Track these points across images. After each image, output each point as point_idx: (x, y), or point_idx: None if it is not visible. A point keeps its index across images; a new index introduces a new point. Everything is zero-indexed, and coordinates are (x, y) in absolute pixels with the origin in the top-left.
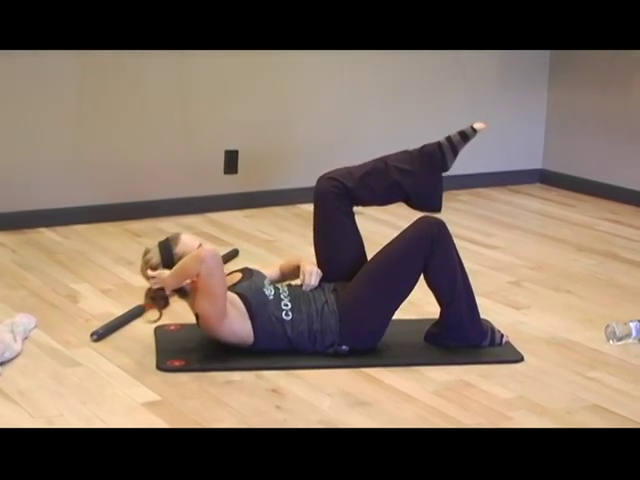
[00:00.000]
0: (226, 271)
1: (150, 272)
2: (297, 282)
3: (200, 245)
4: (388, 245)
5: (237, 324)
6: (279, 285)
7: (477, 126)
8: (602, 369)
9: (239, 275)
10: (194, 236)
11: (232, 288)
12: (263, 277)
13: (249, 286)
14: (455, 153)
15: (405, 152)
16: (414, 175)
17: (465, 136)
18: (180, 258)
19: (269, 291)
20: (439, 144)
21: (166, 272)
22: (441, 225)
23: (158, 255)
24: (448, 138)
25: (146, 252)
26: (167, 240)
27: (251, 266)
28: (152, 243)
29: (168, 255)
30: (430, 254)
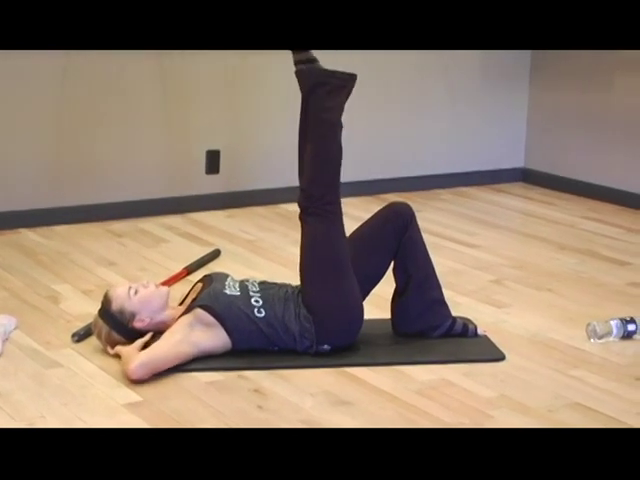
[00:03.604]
0: (189, 285)
1: (110, 351)
2: (268, 279)
3: (130, 288)
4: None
5: (210, 342)
6: (248, 281)
7: (480, 331)
8: (584, 367)
9: (200, 285)
10: (123, 285)
11: (193, 304)
12: (224, 278)
13: (208, 294)
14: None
15: None
16: None
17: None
18: (122, 312)
19: (232, 290)
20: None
21: (123, 349)
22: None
23: (104, 324)
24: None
25: (94, 327)
26: (102, 305)
27: (233, 265)
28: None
29: (112, 318)
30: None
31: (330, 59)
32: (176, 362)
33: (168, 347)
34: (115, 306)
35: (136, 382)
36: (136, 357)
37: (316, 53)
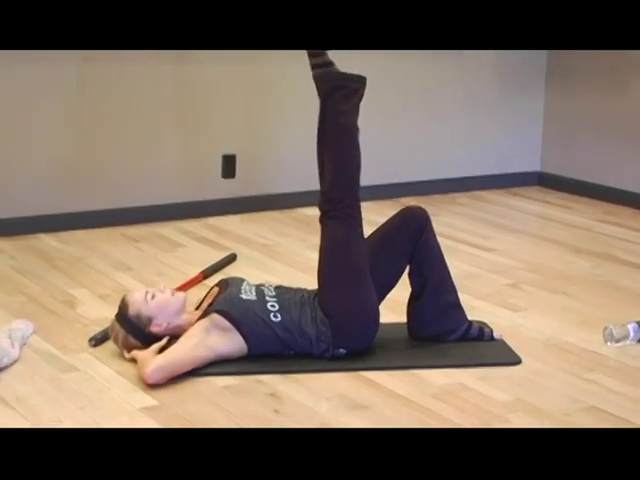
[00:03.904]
0: (205, 290)
1: (127, 355)
2: (284, 284)
3: (147, 293)
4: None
5: (226, 346)
6: (264, 286)
7: (496, 335)
8: (600, 371)
9: (216, 290)
10: (140, 290)
11: (210, 309)
12: (240, 282)
13: (224, 298)
14: None
15: None
16: None
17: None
18: (139, 316)
19: (248, 294)
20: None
21: (139, 353)
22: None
23: (121, 328)
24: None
25: (110, 332)
26: (119, 310)
27: (249, 269)
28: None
29: (129, 323)
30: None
31: (347, 63)
32: (192, 366)
33: (184, 351)
34: (132, 310)
35: (152, 386)
36: (152, 361)
37: (334, 56)
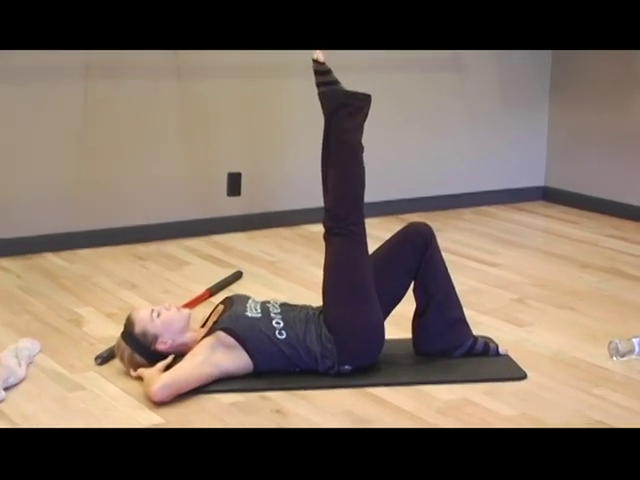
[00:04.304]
0: (211, 307)
1: (133, 373)
2: (289, 301)
3: (152, 311)
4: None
5: (231, 363)
6: (269, 303)
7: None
8: (606, 386)
9: (221, 307)
10: (145, 308)
11: (215, 326)
12: (245, 300)
13: (229, 316)
14: None
15: None
16: None
17: None
18: (145, 334)
19: (253, 312)
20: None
21: (145, 371)
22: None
23: (126, 346)
24: None
25: (116, 350)
26: (125, 328)
27: (255, 287)
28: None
29: (134, 341)
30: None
31: (350, 79)
32: (198, 383)
33: (190, 369)
34: (138, 328)
35: (158, 404)
36: (158, 379)
37: (338, 73)
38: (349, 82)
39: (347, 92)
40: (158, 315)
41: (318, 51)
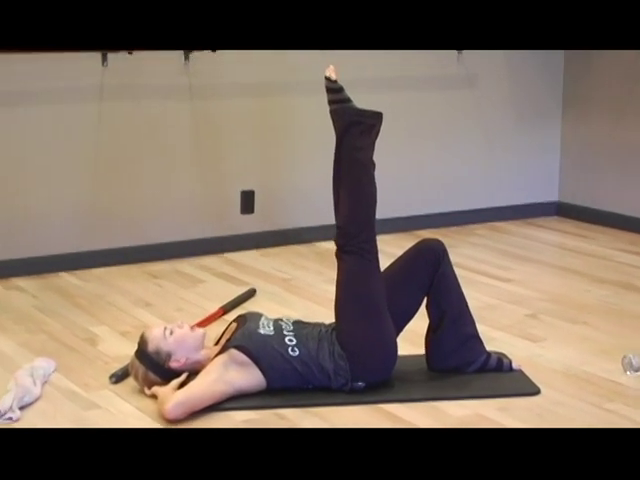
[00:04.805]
0: (224, 325)
1: (147, 391)
2: (302, 318)
3: (165, 329)
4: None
5: (245, 380)
6: (282, 321)
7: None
8: (619, 400)
9: (234, 325)
10: (159, 326)
11: (228, 344)
12: (258, 317)
13: (242, 333)
14: None
15: None
16: None
17: None
18: (158, 352)
19: (266, 329)
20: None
21: (159, 389)
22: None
23: (140, 365)
24: None
25: (130, 368)
26: (139, 346)
27: (269, 304)
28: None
29: (148, 359)
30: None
31: (363, 97)
32: (212, 401)
33: (204, 387)
34: (151, 347)
35: (172, 422)
36: (172, 397)
37: (351, 90)
38: (360, 100)
39: (359, 110)
40: (171, 333)
41: (330, 69)
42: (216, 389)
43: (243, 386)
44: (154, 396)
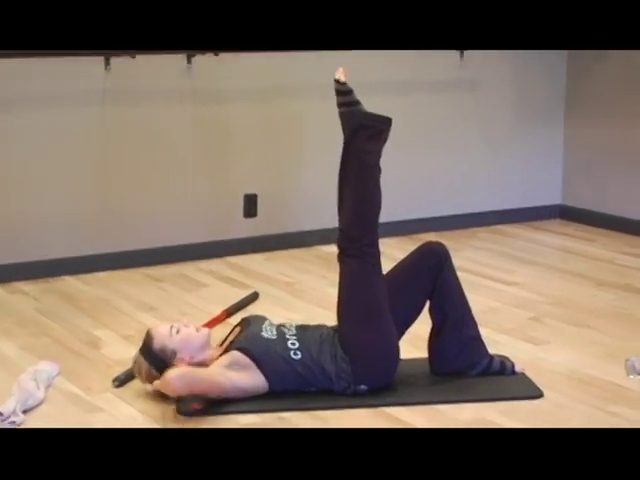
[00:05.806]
0: (228, 328)
1: (149, 387)
2: (304, 322)
3: (172, 327)
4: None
5: (246, 381)
6: (285, 325)
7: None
8: (623, 403)
9: (238, 329)
10: (164, 323)
11: (231, 347)
12: (262, 321)
13: (245, 337)
14: None
15: None
16: None
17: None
18: (164, 349)
19: (269, 333)
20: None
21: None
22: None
23: (144, 361)
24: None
25: (134, 364)
26: (144, 343)
27: (272, 307)
28: (134, 353)
29: (153, 356)
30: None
31: (367, 101)
32: (210, 389)
33: (207, 372)
34: (157, 344)
35: (172, 392)
36: (177, 369)
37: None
38: (363, 103)
39: (368, 114)
40: (177, 331)
41: (340, 71)
42: (217, 379)
43: (243, 386)
44: (156, 392)
